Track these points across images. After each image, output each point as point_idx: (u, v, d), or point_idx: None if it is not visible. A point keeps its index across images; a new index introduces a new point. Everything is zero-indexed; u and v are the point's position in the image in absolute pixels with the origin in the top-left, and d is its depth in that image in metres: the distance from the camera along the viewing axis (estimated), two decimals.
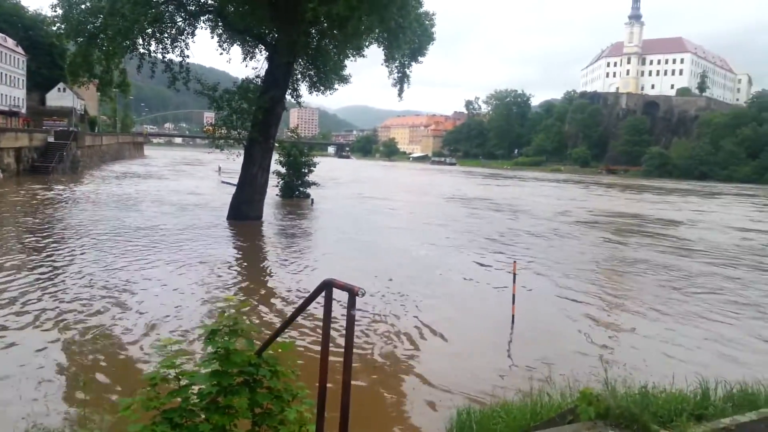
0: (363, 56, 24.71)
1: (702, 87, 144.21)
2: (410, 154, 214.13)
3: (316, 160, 35.24)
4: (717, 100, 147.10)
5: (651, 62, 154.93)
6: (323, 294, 3.43)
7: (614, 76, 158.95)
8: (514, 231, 24.06)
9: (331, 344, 3.44)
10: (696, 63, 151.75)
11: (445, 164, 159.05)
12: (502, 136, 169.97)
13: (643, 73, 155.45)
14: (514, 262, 11.16)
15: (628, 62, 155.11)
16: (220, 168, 55.42)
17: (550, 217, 30.00)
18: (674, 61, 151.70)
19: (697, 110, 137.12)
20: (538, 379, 6.76)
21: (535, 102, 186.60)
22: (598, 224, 28.63)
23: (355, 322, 3.15)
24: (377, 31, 20.09)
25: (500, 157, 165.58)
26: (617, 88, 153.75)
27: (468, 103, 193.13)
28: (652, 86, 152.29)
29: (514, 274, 10.70)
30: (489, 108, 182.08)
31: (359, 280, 12.90)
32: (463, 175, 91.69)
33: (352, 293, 3.09)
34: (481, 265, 16.15)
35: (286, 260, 15.66)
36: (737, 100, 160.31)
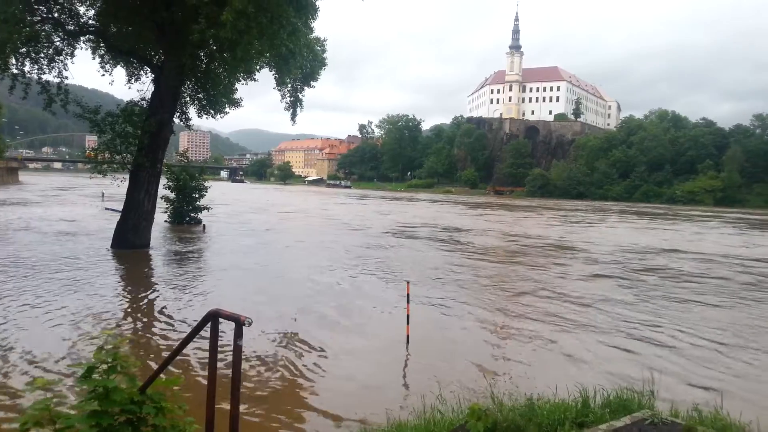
0: (254, 80, 24.47)
1: (577, 113, 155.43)
2: (306, 177, 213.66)
3: (208, 184, 34.32)
4: (591, 125, 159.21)
5: (531, 89, 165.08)
6: (210, 325, 3.36)
7: (498, 102, 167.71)
8: (406, 254, 24.54)
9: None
10: (571, 90, 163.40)
11: (340, 187, 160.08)
12: (395, 159, 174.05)
13: (524, 100, 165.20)
14: (407, 282, 11.37)
15: (510, 89, 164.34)
16: (103, 194, 52.39)
17: (433, 236, 30.94)
18: (551, 89, 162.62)
19: (573, 134, 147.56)
20: (431, 397, 6.89)
21: (425, 126, 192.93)
22: (490, 248, 29.83)
23: (243, 352, 3.09)
24: (267, 55, 20.01)
25: (394, 180, 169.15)
26: (501, 114, 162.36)
27: (361, 127, 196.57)
28: (532, 112, 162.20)
29: (408, 295, 10.90)
30: (382, 132, 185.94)
31: (252, 307, 12.68)
32: (357, 197, 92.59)
33: (239, 323, 3.05)
34: (377, 286, 16.31)
35: (175, 289, 15.03)
36: (608, 124, 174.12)
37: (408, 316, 10.69)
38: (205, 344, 8.60)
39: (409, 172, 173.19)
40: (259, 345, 9.99)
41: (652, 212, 75.75)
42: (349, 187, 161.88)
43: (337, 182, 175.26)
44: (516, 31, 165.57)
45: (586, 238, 34.45)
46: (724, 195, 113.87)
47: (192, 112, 25.88)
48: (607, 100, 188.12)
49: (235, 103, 26.11)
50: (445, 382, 7.96)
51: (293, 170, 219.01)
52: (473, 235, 33.46)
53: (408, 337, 10.48)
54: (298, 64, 21.06)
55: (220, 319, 3.25)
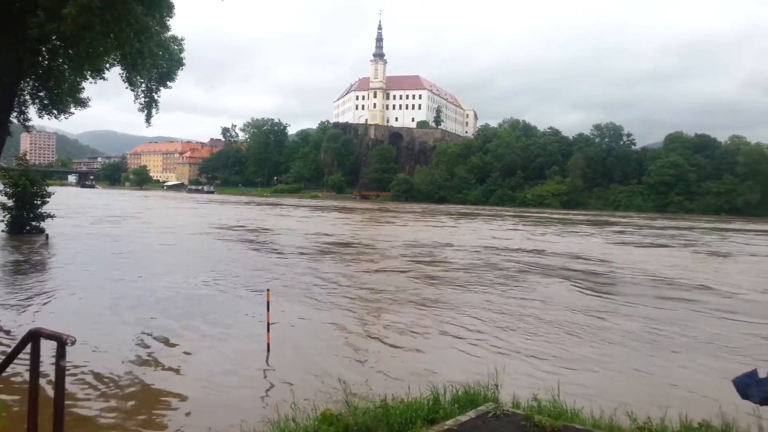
0: (104, 79, 22.75)
1: (438, 120, 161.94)
2: (164, 182, 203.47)
3: (52, 189, 31.64)
4: (451, 133, 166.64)
5: (394, 97, 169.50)
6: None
7: (363, 108, 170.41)
8: (264, 259, 24.20)
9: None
10: (432, 99, 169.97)
11: (203, 192, 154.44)
12: (260, 164, 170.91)
13: (388, 107, 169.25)
14: (267, 290, 11.21)
15: (375, 96, 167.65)
16: None
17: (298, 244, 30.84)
18: (414, 97, 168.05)
19: (435, 141, 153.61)
20: (285, 406, 6.82)
21: (292, 130, 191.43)
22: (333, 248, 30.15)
23: (69, 372, 2.87)
24: (117, 53, 18.79)
25: (260, 185, 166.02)
26: (366, 120, 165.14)
27: (225, 131, 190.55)
28: (396, 119, 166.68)
29: (268, 302, 10.74)
30: (247, 135, 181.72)
31: (94, 323, 11.85)
32: (218, 202, 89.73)
33: (61, 342, 2.82)
34: (232, 295, 15.91)
35: (3, 307, 13.66)
36: (466, 132, 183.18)
37: (268, 324, 10.54)
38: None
39: (276, 177, 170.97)
40: (101, 362, 9.37)
41: (480, 213, 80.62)
42: (212, 192, 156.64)
43: (199, 187, 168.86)
44: (379, 40, 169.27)
45: (435, 238, 36.02)
46: (568, 198, 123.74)
47: (32, 111, 23.70)
48: (465, 109, 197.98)
49: (82, 103, 24.11)
50: (302, 390, 7.93)
51: (151, 175, 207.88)
52: (344, 245, 33.50)
53: (268, 345, 10.33)
54: (150, 64, 19.98)
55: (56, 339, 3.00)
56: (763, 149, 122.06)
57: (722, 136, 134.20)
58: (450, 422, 5.48)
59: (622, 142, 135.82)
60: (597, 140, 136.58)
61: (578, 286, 19.29)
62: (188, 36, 25.15)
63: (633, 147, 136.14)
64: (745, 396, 3.99)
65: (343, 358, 10.33)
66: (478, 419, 5.54)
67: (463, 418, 5.57)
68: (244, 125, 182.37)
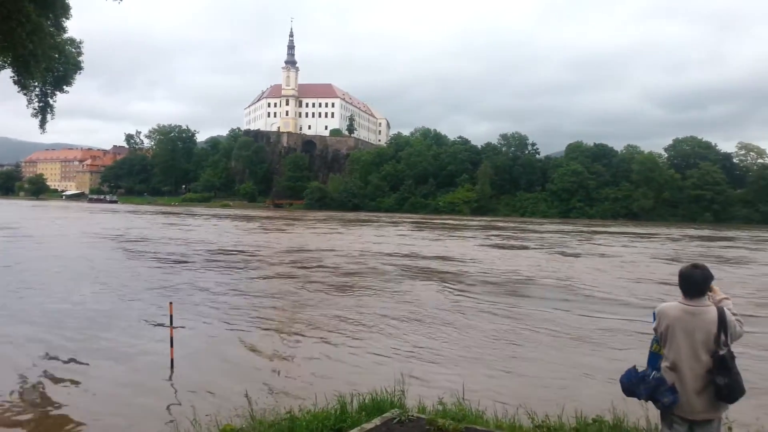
0: None
1: (351, 128, 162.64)
2: (63, 191, 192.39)
3: None
4: (364, 141, 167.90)
5: (307, 104, 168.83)
6: None
7: (275, 116, 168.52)
8: (144, 270, 23.39)
9: None
10: (344, 107, 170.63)
11: (105, 202, 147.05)
12: (167, 172, 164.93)
13: (300, 114, 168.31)
14: (170, 303, 10.79)
15: (287, 103, 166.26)
16: None
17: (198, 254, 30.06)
18: (326, 105, 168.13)
19: (348, 149, 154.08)
20: (186, 423, 6.58)
21: (201, 137, 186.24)
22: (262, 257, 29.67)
23: None
24: (8, 54, 17.62)
25: (167, 194, 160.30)
26: (278, 128, 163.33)
27: (129, 137, 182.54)
28: (309, 127, 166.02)
29: (171, 316, 10.33)
30: (152, 142, 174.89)
31: None
32: (111, 212, 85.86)
33: None
34: (136, 308, 15.23)
35: None
36: (379, 140, 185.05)
37: (171, 339, 10.14)
38: None
39: (184, 186, 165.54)
40: None
41: (380, 220, 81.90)
42: (115, 201, 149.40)
43: (102, 197, 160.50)
44: (291, 47, 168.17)
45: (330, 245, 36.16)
46: (478, 205, 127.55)
47: None
48: (378, 118, 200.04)
49: None
50: (206, 406, 7.68)
51: (48, 184, 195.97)
52: (250, 255, 33.02)
53: (172, 360, 9.95)
54: (44, 67, 18.87)
55: None
56: (655, 158, 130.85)
57: (619, 146, 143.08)
58: (355, 430, 5.48)
59: (527, 151, 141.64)
60: (504, 149, 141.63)
61: (449, 287, 20.21)
62: (91, 39, 24.01)
63: (537, 156, 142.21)
64: (631, 394, 4.22)
65: (248, 371, 10.11)
66: (383, 426, 5.57)
67: (368, 425, 5.58)
68: (150, 131, 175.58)
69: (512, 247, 40.69)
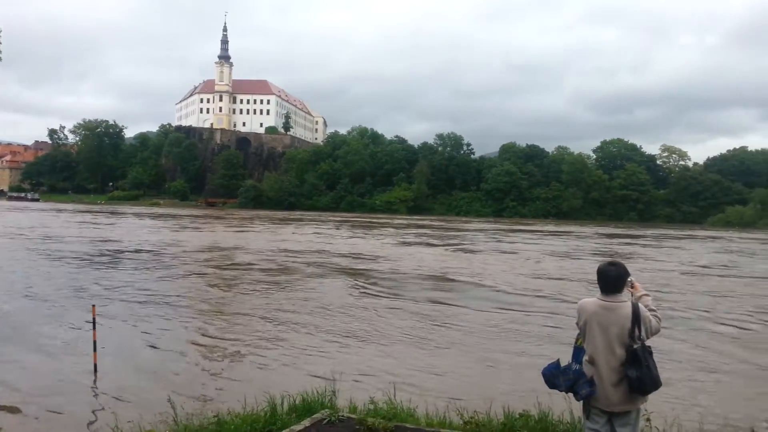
0: None
1: (287, 126, 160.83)
2: None
3: None
4: (300, 139, 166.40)
5: (242, 101, 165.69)
6: None
7: (208, 112, 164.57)
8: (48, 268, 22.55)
9: None
10: (280, 104, 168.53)
11: (26, 200, 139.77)
12: (93, 169, 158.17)
13: (235, 111, 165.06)
14: (93, 306, 10.37)
15: (221, 100, 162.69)
16: None
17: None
18: (262, 102, 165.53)
19: (284, 147, 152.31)
20: (107, 429, 6.34)
21: (130, 133, 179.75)
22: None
23: None
24: None
25: (93, 192, 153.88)
26: (212, 124, 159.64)
27: (52, 132, 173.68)
28: (244, 124, 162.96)
29: (94, 319, 9.92)
30: (77, 138, 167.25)
31: None
32: (35, 210, 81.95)
33: None
34: (55, 310, 14.58)
35: None
36: (316, 139, 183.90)
37: (95, 343, 9.74)
38: None
39: (111, 183, 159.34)
40: None
41: (304, 219, 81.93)
42: (37, 200, 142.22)
43: (23, 195, 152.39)
44: (225, 42, 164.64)
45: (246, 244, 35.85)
46: (415, 204, 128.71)
47: None
48: (315, 116, 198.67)
49: None
50: (129, 411, 7.40)
51: None
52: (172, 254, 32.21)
53: (96, 366, 9.55)
54: None
55: None
56: (584, 159, 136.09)
57: (552, 147, 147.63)
58: None
59: (462, 151, 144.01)
60: (440, 149, 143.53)
61: (360, 284, 20.65)
62: (10, 27, 22.77)
63: (472, 156, 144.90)
64: (552, 386, 4.33)
65: (175, 374, 9.81)
66: (312, 427, 5.52)
67: (297, 427, 5.52)
68: (75, 126, 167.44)
69: (423, 245, 41.57)
